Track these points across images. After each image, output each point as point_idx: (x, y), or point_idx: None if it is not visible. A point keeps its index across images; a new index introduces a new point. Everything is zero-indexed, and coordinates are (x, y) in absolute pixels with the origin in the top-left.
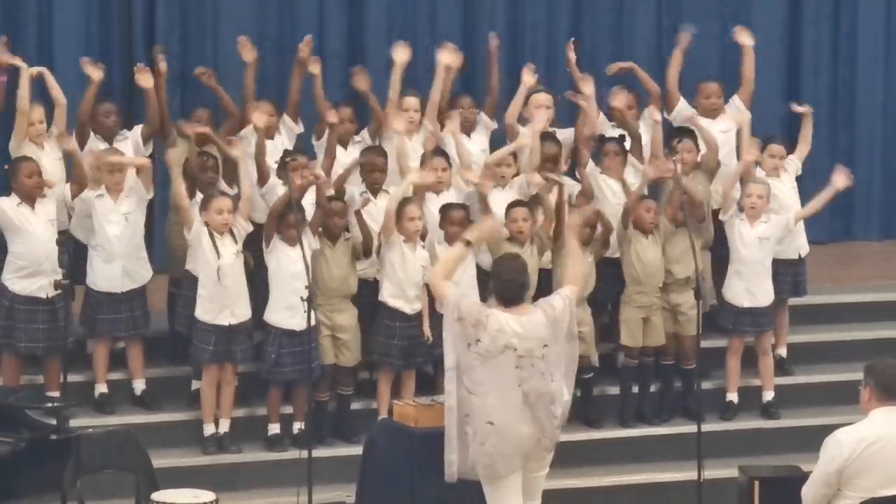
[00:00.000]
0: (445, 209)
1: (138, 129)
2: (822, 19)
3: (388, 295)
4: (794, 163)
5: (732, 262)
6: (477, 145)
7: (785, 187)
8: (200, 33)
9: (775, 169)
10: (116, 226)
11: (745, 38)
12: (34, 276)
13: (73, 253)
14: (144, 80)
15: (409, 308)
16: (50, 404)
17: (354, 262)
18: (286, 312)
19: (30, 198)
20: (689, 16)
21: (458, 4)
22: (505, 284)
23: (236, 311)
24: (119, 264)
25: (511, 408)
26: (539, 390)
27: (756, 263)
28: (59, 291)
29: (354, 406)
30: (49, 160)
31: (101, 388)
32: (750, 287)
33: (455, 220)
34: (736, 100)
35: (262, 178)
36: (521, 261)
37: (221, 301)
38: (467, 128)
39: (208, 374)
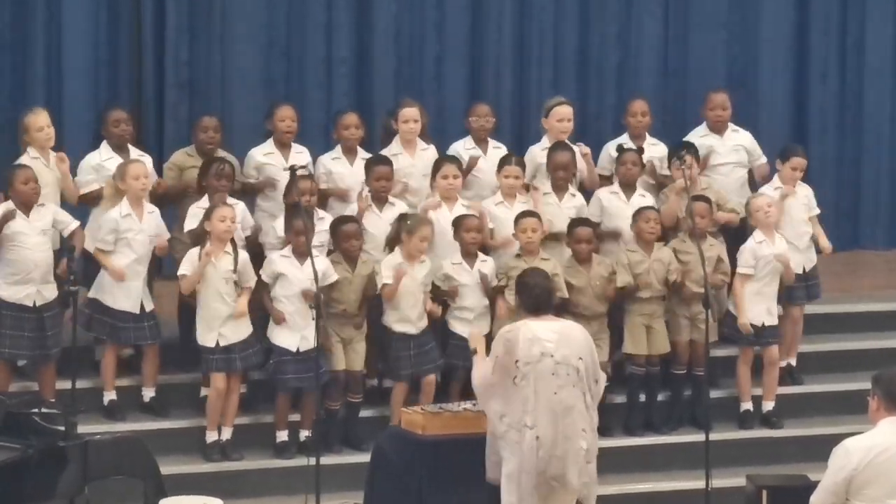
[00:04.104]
0: (459, 219)
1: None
2: (830, 27)
3: (394, 321)
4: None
5: (753, 280)
6: (488, 160)
7: (796, 202)
8: (209, 39)
9: (794, 181)
10: (141, 245)
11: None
12: (23, 284)
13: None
14: None
15: (414, 329)
16: (37, 409)
17: (368, 289)
18: (286, 331)
19: (25, 205)
20: (696, 23)
21: (465, 11)
22: (533, 291)
23: (225, 332)
24: (140, 283)
25: (551, 416)
26: (567, 403)
27: (778, 283)
28: (50, 301)
29: (362, 414)
30: (46, 169)
31: (111, 396)
32: (770, 306)
33: (471, 227)
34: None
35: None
36: (544, 271)
37: (210, 324)
38: (482, 136)
39: (215, 382)
